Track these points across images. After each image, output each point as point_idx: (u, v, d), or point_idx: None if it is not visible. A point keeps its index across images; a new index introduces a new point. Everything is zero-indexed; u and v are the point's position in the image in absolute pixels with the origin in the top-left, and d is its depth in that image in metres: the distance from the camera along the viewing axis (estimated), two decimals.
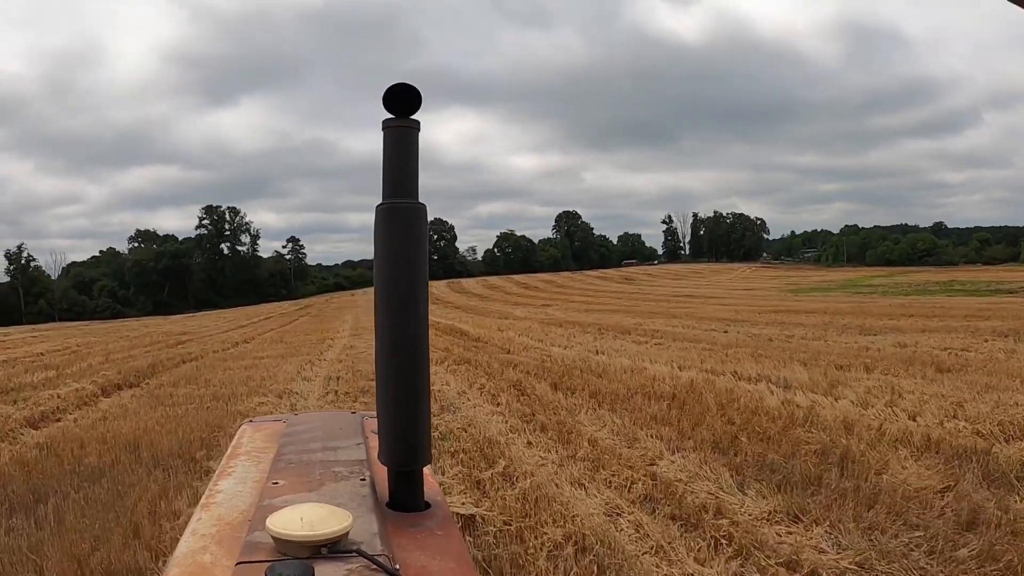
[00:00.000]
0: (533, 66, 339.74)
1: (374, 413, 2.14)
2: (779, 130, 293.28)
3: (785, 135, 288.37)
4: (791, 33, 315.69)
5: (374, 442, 2.06)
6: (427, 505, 1.95)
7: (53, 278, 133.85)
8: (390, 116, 1.88)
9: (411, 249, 1.86)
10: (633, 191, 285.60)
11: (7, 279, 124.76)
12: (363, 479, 2.00)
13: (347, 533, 1.55)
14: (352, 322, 42.26)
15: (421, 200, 1.93)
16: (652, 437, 9.31)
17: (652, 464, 8.29)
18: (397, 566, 1.52)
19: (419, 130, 1.90)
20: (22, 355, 25.48)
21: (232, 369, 17.53)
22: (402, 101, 1.87)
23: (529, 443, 9.19)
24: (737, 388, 12.45)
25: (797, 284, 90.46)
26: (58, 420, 12.14)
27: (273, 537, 1.53)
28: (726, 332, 25.67)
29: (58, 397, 13.70)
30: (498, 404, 11.84)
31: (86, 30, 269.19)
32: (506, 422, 10.38)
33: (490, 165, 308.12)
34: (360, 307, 66.86)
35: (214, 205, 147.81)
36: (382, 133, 1.89)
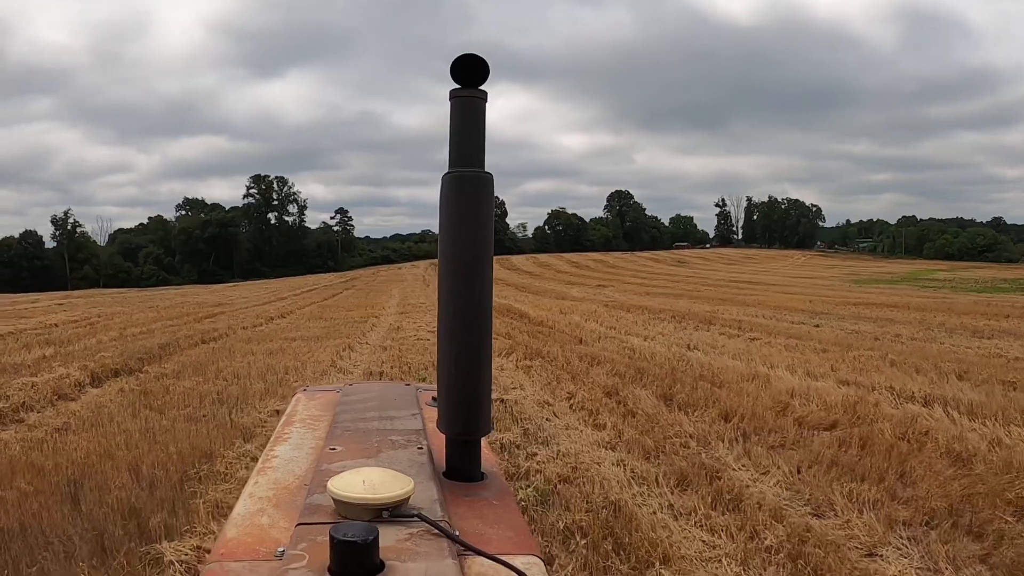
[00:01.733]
0: (583, 43, 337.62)
1: (427, 385, 2.66)
2: (831, 116, 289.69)
3: (837, 121, 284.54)
4: (846, 15, 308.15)
5: (429, 413, 2.25)
6: (483, 476, 1.90)
7: (101, 244, 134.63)
8: (457, 86, 1.83)
9: (478, 218, 1.81)
10: (683, 174, 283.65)
11: (55, 245, 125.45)
12: (420, 447, 2.00)
13: (408, 498, 1.54)
14: (399, 298, 39.32)
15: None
16: (848, 500, 6.07)
17: (870, 555, 5.14)
18: (456, 532, 1.49)
19: (486, 100, 1.85)
20: (34, 325, 22.84)
21: (255, 354, 14.55)
22: (470, 71, 1.82)
23: (673, 509, 5.97)
24: (910, 413, 9.10)
25: (857, 274, 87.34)
26: (16, 421, 9.22)
27: (334, 499, 1.52)
28: (818, 326, 22.49)
29: (32, 387, 10.80)
30: (601, 427, 8.61)
31: (132, 1, 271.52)
32: (623, 464, 7.14)
33: (539, 143, 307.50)
34: (407, 281, 64.04)
35: (262, 174, 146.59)
36: (449, 103, 1.83)
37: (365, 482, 1.52)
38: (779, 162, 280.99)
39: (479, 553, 1.43)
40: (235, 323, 23.43)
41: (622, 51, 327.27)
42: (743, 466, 7.11)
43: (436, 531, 1.45)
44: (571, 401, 9.99)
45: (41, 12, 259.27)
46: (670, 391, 10.51)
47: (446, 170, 1.83)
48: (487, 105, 1.86)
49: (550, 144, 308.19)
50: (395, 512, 1.51)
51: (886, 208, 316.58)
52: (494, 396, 7.80)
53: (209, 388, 10.70)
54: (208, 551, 2.91)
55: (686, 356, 14.74)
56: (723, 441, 7.89)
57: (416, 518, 1.49)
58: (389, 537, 1.40)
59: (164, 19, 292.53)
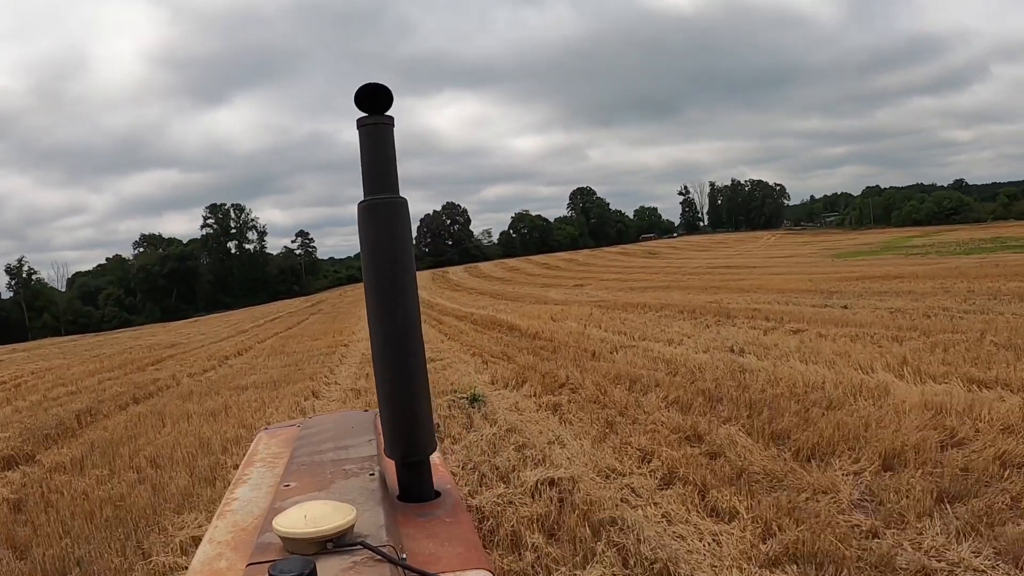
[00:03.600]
0: (529, 45, 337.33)
1: None
2: (783, 95, 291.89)
3: (789, 100, 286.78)
4: None
5: None
6: (437, 494, 1.95)
7: (62, 290, 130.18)
8: (363, 115, 1.88)
9: (395, 243, 1.86)
10: (641, 166, 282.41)
11: (11, 295, 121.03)
12: (372, 474, 2.01)
13: (352, 527, 1.55)
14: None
15: (406, 192, 1.94)
16: None
17: None
18: (404, 555, 1.53)
19: (393, 126, 1.91)
20: None
21: (190, 418, 11.30)
22: (374, 99, 1.87)
23: None
24: None
25: (833, 248, 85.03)
26: None
27: (280, 537, 1.53)
28: (846, 307, 19.78)
29: None
30: (722, 516, 5.45)
31: (69, 38, 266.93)
32: None
33: (493, 148, 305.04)
34: None
35: (218, 204, 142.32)
36: (357, 132, 1.88)
37: (307, 516, 1.53)
38: (735, 146, 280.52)
39: (423, 574, 1.46)
40: (183, 369, 20.08)
41: (568, 49, 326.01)
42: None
43: (379, 557, 1.46)
44: (649, 465, 6.81)
45: None
46: (772, 425, 7.46)
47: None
48: (394, 130, 1.90)
49: (504, 148, 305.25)
50: (339, 543, 1.52)
51: (845, 181, 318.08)
52: (537, 473, 6.57)
53: (109, 491, 7.43)
54: None
55: (741, 364, 11.73)
56: (928, 517, 4.83)
57: (359, 546, 1.50)
58: (332, 568, 1.42)
59: (101, 54, 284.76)
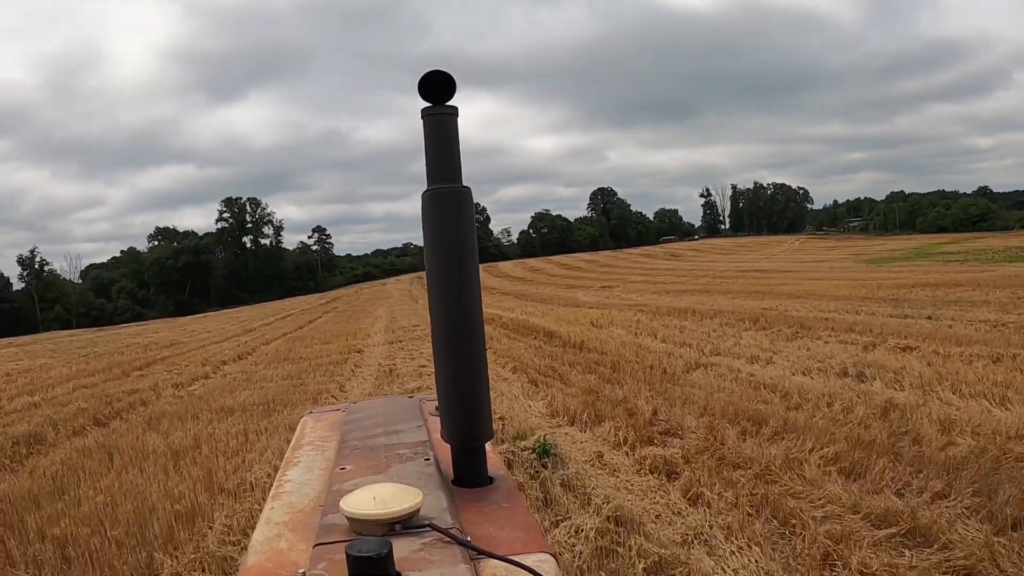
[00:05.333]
0: (544, 44, 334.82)
1: (429, 396, 2.60)
2: (801, 100, 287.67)
3: (807, 104, 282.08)
4: None
5: (433, 424, 2.22)
6: (491, 480, 1.94)
7: (77, 281, 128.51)
8: (427, 104, 1.85)
9: (459, 232, 1.84)
10: (657, 168, 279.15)
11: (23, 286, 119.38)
12: (427, 459, 2.02)
13: (419, 509, 1.56)
14: (386, 319, 33.09)
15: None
16: None
17: None
18: (468, 537, 1.52)
19: (457, 115, 1.88)
20: None
21: (148, 458, 8.44)
22: (437, 88, 1.83)
23: None
24: None
25: (863, 254, 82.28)
26: None
27: (348, 518, 1.54)
28: (930, 318, 17.28)
29: None
30: None
31: (82, 33, 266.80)
32: None
33: (510, 148, 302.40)
34: (393, 298, 57.67)
35: (234, 197, 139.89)
36: (422, 121, 1.86)
37: (376, 498, 1.54)
38: (752, 150, 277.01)
39: (491, 556, 1.45)
40: (170, 376, 17.25)
41: (584, 49, 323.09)
42: None
43: (448, 539, 1.46)
44: None
45: None
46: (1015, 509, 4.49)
47: (421, 183, 1.86)
48: (458, 119, 1.86)
49: (521, 148, 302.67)
50: (407, 524, 1.52)
51: (863, 187, 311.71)
52: None
53: None
54: None
55: (881, 397, 8.80)
56: None
57: (428, 528, 1.50)
58: (403, 549, 1.41)
59: (115, 50, 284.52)
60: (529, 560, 1.43)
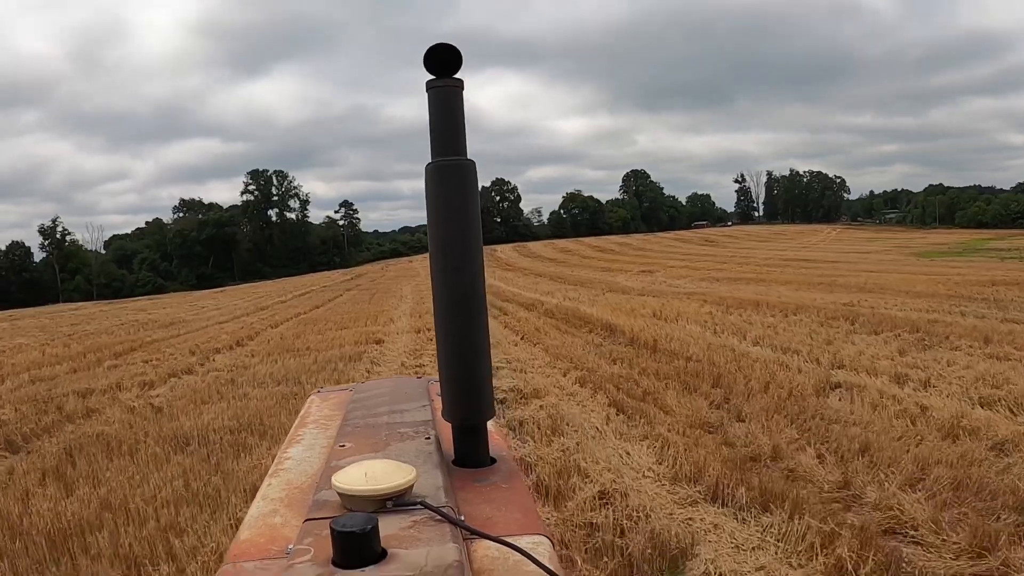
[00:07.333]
0: (573, 23, 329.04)
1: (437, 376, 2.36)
2: (835, 88, 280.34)
3: (842, 94, 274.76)
4: None
5: (439, 404, 2.09)
6: (493, 460, 1.88)
7: (102, 252, 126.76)
8: (432, 77, 1.82)
9: (464, 205, 1.81)
10: (687, 154, 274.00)
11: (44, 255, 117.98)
12: (428, 437, 1.95)
13: (411, 486, 1.49)
14: (412, 301, 29.68)
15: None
16: None
17: None
18: (462, 517, 1.49)
19: (463, 88, 1.84)
20: None
21: (27, 539, 4.91)
22: (442, 61, 1.79)
23: None
24: None
25: (907, 247, 78.31)
26: None
27: (339, 493, 1.48)
28: None
29: None
30: None
31: (108, 5, 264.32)
32: None
33: (538, 129, 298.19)
34: (420, 276, 54.25)
35: (260, 170, 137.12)
36: (426, 94, 1.82)
37: (367, 474, 1.49)
38: (785, 138, 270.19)
39: (483, 536, 1.42)
40: (143, 370, 13.92)
41: (614, 29, 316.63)
42: None
43: (439, 517, 1.42)
44: None
45: (17, 20, 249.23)
46: None
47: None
48: (463, 92, 1.84)
49: (549, 129, 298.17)
50: (398, 502, 1.47)
51: (895, 179, 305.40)
52: None
53: None
54: None
55: None
56: None
57: (419, 506, 1.46)
58: (392, 526, 1.38)
59: (140, 21, 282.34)
60: (523, 542, 1.39)
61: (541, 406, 8.51)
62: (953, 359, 11.09)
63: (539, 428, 7.35)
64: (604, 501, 5.29)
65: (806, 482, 5.81)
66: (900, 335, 13.59)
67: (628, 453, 6.71)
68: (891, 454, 6.33)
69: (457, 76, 1.82)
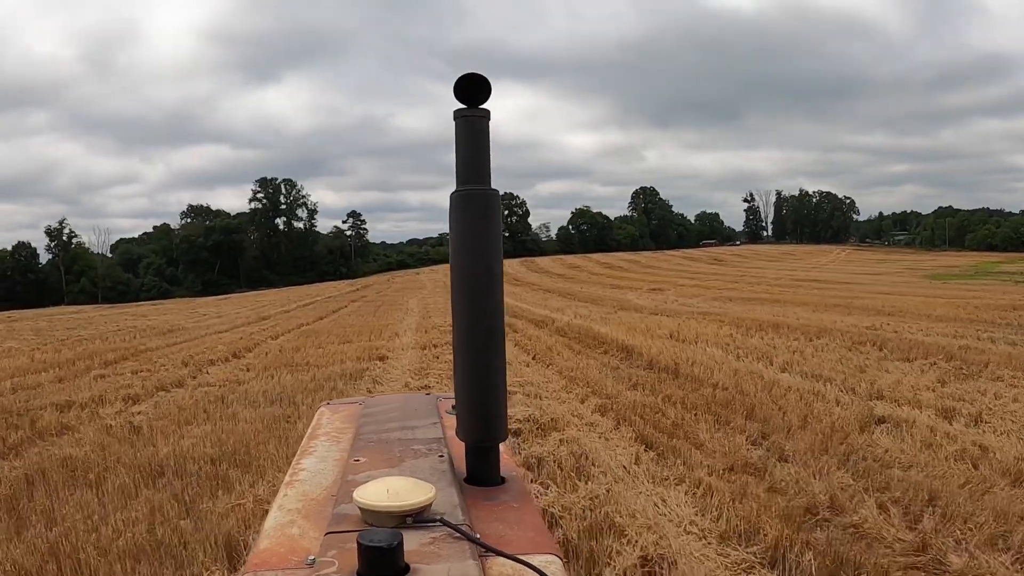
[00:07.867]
0: (585, 38, 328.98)
1: (446, 394, 2.54)
2: (845, 107, 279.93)
3: (852, 112, 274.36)
4: (858, 2, 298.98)
5: (448, 421, 2.21)
6: (503, 480, 1.92)
7: (108, 255, 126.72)
8: (461, 106, 1.86)
9: (487, 233, 1.84)
10: (696, 171, 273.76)
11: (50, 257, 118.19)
12: (441, 455, 2.00)
13: (431, 504, 1.54)
14: (419, 314, 28.84)
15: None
16: None
17: None
18: (478, 534, 1.50)
19: (489, 119, 1.89)
20: None
21: None
22: (472, 91, 1.84)
23: None
24: None
25: (918, 268, 78.73)
26: None
27: (361, 508, 1.52)
28: None
29: None
30: None
31: (120, 8, 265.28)
32: None
33: (547, 142, 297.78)
34: (427, 290, 53.47)
35: (269, 178, 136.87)
36: (454, 123, 1.86)
37: (389, 490, 1.52)
38: (795, 156, 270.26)
39: (499, 554, 1.43)
40: (130, 383, 13.07)
41: (625, 45, 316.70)
42: None
43: (458, 534, 1.45)
44: None
45: (29, 22, 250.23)
46: None
47: (455, 177, 1.86)
48: (489, 122, 1.87)
49: (558, 144, 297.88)
50: (418, 518, 1.50)
51: (905, 200, 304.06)
52: None
53: None
54: None
55: None
56: None
57: (439, 523, 1.49)
58: (413, 541, 1.40)
59: (152, 26, 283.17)
60: (536, 560, 1.40)
61: (561, 440, 7.62)
62: (999, 391, 10.34)
63: (561, 468, 6.47)
64: (647, 570, 4.40)
65: (877, 542, 4.95)
66: (935, 363, 12.80)
67: (664, 500, 5.82)
68: (963, 506, 5.48)
69: (484, 107, 1.84)
